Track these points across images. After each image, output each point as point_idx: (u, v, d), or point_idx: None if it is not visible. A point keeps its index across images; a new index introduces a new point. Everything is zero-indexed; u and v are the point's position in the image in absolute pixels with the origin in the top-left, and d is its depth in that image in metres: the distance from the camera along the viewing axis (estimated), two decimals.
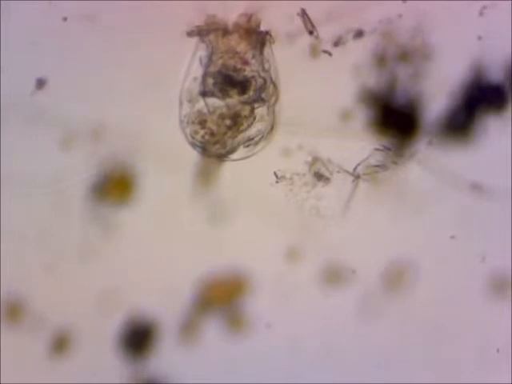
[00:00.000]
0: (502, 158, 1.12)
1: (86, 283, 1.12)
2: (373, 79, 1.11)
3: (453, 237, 1.12)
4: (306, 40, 1.10)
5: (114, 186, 1.12)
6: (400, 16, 1.09)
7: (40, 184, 1.11)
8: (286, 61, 1.10)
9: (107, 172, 1.12)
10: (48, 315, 1.13)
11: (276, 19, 1.09)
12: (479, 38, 1.08)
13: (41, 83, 1.07)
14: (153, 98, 1.09)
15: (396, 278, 1.14)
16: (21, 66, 1.11)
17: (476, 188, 1.10)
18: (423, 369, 1.14)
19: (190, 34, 1.08)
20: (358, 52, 1.10)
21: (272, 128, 1.11)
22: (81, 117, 1.10)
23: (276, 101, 1.10)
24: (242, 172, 1.12)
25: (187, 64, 1.10)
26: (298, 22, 1.09)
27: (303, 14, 1.06)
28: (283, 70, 1.11)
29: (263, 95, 1.09)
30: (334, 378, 1.13)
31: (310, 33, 1.07)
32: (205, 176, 1.12)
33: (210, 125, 1.09)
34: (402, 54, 1.11)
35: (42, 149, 1.11)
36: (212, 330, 1.15)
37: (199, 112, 1.09)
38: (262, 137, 1.11)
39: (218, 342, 1.14)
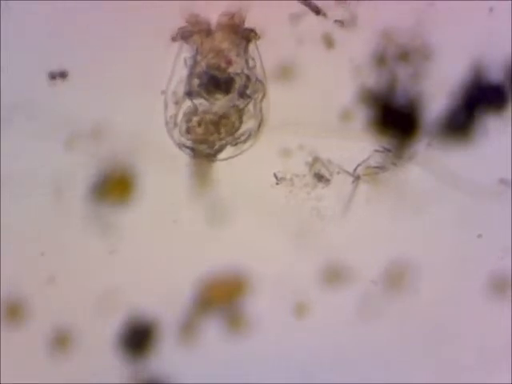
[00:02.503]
0: (502, 158, 1.12)
1: (86, 283, 1.12)
2: (373, 79, 1.11)
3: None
4: (306, 40, 1.10)
5: (114, 186, 1.12)
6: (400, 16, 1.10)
7: (40, 184, 1.11)
8: (286, 61, 1.10)
9: (107, 172, 1.12)
10: (48, 315, 1.13)
11: (262, 17, 1.09)
12: (490, 9, 1.08)
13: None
14: (152, 99, 1.10)
15: (396, 277, 1.14)
16: (21, 66, 1.11)
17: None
18: (423, 369, 1.14)
19: (174, 38, 1.08)
20: (358, 52, 1.10)
21: (260, 126, 1.11)
22: (81, 117, 1.11)
23: (263, 98, 1.10)
24: (242, 172, 1.12)
25: (172, 66, 1.09)
26: (297, 21, 1.09)
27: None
28: (283, 70, 1.11)
29: (248, 92, 1.09)
30: (334, 378, 1.13)
31: (317, 13, 1.07)
32: (199, 176, 1.12)
33: (198, 125, 1.09)
34: (401, 53, 1.11)
35: (42, 149, 1.11)
36: (212, 330, 1.15)
37: (185, 113, 1.09)
38: (250, 135, 1.11)
39: (218, 342, 1.14)
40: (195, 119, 1.09)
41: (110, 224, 1.12)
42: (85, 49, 1.10)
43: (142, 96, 1.09)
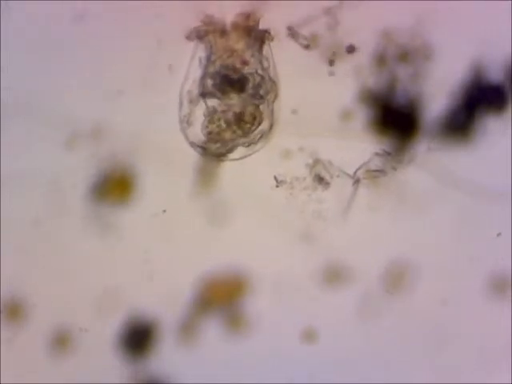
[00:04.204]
0: (502, 158, 1.12)
1: (86, 283, 1.12)
2: (373, 79, 1.11)
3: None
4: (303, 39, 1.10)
5: (114, 186, 1.12)
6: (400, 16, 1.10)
7: (40, 184, 1.11)
8: (286, 61, 1.10)
9: (107, 172, 1.12)
10: (48, 315, 1.13)
11: (277, 18, 1.09)
12: None
13: None
14: (152, 99, 1.10)
15: (396, 278, 1.14)
16: (21, 66, 1.11)
17: None
18: (423, 369, 1.14)
19: (188, 37, 1.08)
20: (358, 52, 1.10)
21: (271, 127, 1.11)
22: (81, 117, 1.11)
23: (275, 99, 1.10)
24: (244, 173, 1.12)
25: (187, 65, 1.10)
26: (297, 20, 1.09)
27: (292, 30, 1.07)
28: (283, 70, 1.11)
29: (261, 92, 1.09)
30: (333, 378, 1.13)
31: (306, 47, 1.08)
32: (205, 175, 1.12)
33: (219, 125, 1.09)
34: (402, 53, 1.11)
35: (42, 149, 1.11)
36: (212, 329, 1.15)
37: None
38: (262, 136, 1.11)
39: (218, 342, 1.14)
40: (216, 118, 1.09)
41: (110, 224, 1.12)
42: (85, 48, 1.10)
43: (142, 96, 1.09)
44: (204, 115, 1.09)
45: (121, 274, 1.12)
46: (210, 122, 1.09)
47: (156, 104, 1.10)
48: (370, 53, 1.10)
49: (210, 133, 1.09)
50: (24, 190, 1.11)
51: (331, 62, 1.09)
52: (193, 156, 1.12)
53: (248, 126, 1.09)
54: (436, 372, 1.14)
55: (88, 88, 1.10)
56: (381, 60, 1.11)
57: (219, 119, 1.09)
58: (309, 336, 1.14)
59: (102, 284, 1.12)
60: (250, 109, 1.08)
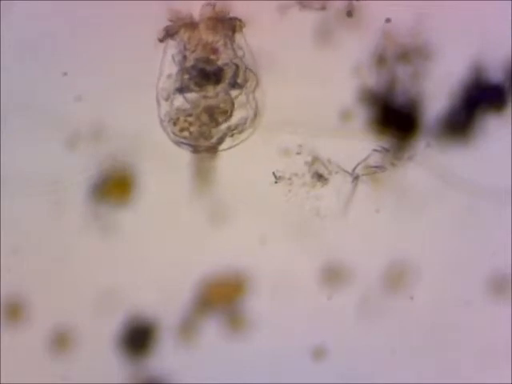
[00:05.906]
0: (502, 158, 1.12)
1: (86, 283, 1.12)
2: (373, 79, 1.11)
3: None
4: (304, 38, 1.10)
5: (114, 186, 1.12)
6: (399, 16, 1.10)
7: (40, 184, 1.11)
8: (285, 60, 1.10)
9: (107, 172, 1.12)
10: (48, 315, 1.13)
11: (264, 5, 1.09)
12: None
13: None
14: (152, 98, 1.10)
15: (396, 278, 1.14)
16: (21, 66, 1.11)
17: None
18: (423, 369, 1.14)
19: (161, 39, 1.07)
20: (358, 52, 1.10)
21: (255, 115, 1.10)
22: (81, 117, 1.11)
23: (256, 87, 1.09)
24: (242, 170, 1.12)
25: (160, 63, 1.09)
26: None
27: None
28: (282, 69, 1.11)
29: (239, 81, 1.08)
30: (334, 378, 1.13)
31: (323, 8, 1.07)
32: (201, 172, 1.11)
33: (191, 120, 1.09)
34: (402, 53, 1.11)
35: (42, 149, 1.11)
36: (212, 329, 1.15)
37: (178, 109, 1.09)
38: (245, 124, 1.10)
39: (218, 342, 1.14)
40: (189, 113, 1.08)
41: (110, 224, 1.12)
42: (85, 48, 1.10)
43: (142, 96, 1.09)
44: (178, 110, 1.09)
45: (121, 274, 1.12)
46: (186, 116, 1.08)
47: (156, 104, 1.10)
48: (370, 52, 1.11)
49: (181, 129, 1.08)
50: (24, 190, 1.11)
51: (349, 14, 1.09)
52: (190, 155, 1.12)
53: (223, 115, 1.08)
54: (436, 372, 1.14)
55: (88, 88, 1.10)
56: (381, 60, 1.11)
57: (192, 115, 1.08)
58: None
59: (102, 284, 1.12)
60: (226, 99, 1.08)
